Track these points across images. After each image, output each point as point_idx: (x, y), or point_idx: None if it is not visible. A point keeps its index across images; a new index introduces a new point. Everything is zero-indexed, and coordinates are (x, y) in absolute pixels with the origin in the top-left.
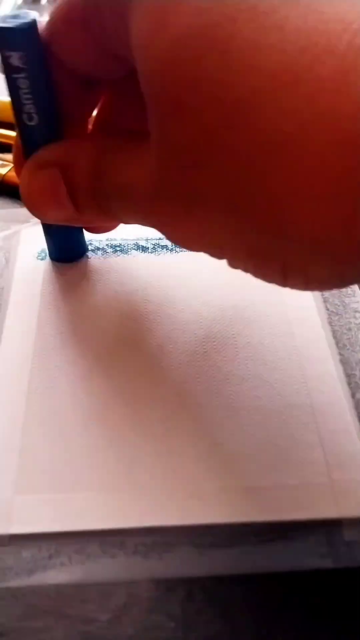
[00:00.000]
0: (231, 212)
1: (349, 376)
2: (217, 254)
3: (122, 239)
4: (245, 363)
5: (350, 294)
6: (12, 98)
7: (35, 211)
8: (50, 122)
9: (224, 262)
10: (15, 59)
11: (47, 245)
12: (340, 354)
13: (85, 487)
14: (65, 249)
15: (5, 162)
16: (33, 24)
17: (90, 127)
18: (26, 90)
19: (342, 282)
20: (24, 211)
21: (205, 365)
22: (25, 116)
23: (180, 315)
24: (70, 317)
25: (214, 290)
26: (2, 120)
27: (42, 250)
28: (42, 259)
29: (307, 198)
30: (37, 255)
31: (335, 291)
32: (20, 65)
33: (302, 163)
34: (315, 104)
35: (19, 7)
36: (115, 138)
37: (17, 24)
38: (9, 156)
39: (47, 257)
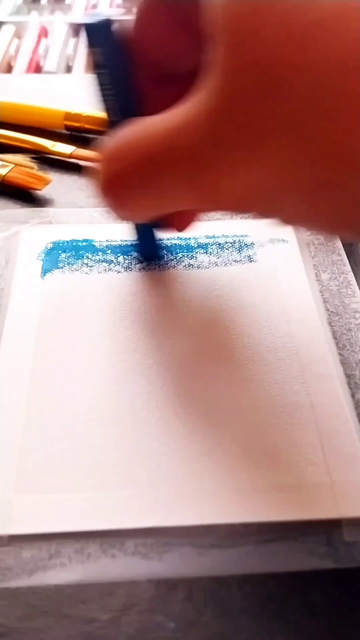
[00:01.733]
0: (301, 144)
1: (349, 376)
2: (276, 201)
3: (121, 240)
4: (245, 363)
5: (350, 294)
6: (100, 95)
7: None
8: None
9: (222, 263)
10: (97, 55)
11: (138, 244)
12: (340, 355)
13: (85, 487)
14: (151, 247)
15: (5, 163)
16: (108, 20)
17: None
18: (107, 87)
19: None
20: (24, 212)
21: (204, 366)
22: (110, 112)
23: (180, 316)
24: (71, 318)
25: (214, 291)
26: (3, 121)
27: (42, 251)
28: (42, 260)
29: None
30: (37, 255)
31: (335, 292)
32: (101, 62)
33: None
34: None
35: (19, 8)
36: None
37: (93, 20)
38: (9, 156)
39: (47, 258)
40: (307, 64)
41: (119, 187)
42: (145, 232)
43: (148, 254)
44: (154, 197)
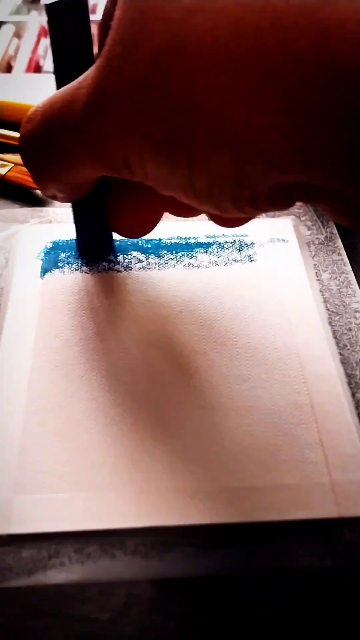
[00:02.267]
0: (150, 97)
1: (349, 376)
2: (138, 160)
3: (120, 240)
4: (245, 363)
5: (350, 294)
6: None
7: None
8: None
9: (222, 263)
10: (54, 33)
11: (77, 240)
12: (340, 354)
13: (85, 487)
14: (91, 243)
15: (5, 162)
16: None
17: None
18: (56, 60)
19: (241, 185)
20: (24, 211)
21: (205, 365)
22: (58, 85)
23: (180, 316)
24: (70, 318)
25: (214, 290)
26: (3, 120)
27: (42, 251)
28: (41, 259)
29: (211, 72)
30: (37, 255)
31: (335, 291)
32: (59, 41)
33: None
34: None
35: (19, 7)
36: None
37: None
38: (9, 156)
39: (47, 257)
40: (157, 23)
41: (28, 146)
42: (85, 228)
43: (86, 251)
44: (56, 155)
